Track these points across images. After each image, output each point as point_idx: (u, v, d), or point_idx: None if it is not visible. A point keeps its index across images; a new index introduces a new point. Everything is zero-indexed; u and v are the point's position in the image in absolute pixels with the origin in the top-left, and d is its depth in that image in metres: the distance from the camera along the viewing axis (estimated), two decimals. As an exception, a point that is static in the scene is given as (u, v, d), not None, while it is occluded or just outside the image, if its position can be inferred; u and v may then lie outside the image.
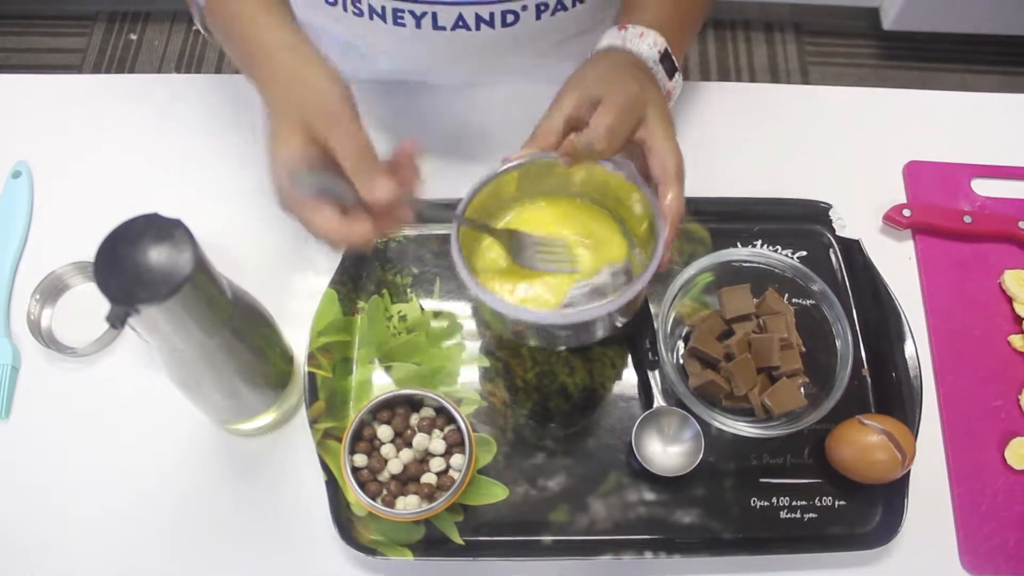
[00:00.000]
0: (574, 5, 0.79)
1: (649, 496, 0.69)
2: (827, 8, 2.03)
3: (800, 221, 0.79)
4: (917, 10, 1.92)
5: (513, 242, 0.66)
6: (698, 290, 0.73)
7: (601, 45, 0.70)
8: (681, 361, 0.71)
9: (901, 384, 0.71)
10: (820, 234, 0.79)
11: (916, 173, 0.82)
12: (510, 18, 0.77)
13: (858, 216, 0.80)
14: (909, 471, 0.67)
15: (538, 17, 0.78)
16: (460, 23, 0.77)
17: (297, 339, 0.72)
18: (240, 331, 0.58)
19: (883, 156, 0.84)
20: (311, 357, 0.71)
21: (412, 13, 0.76)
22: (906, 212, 0.78)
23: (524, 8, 0.76)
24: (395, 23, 0.77)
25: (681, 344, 0.73)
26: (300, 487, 0.69)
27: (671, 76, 0.70)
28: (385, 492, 0.66)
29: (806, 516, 0.68)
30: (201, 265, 0.50)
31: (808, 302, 0.71)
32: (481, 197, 0.65)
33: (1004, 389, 0.73)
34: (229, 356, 0.59)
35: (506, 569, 0.67)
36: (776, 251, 0.78)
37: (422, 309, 0.75)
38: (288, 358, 0.69)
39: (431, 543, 0.67)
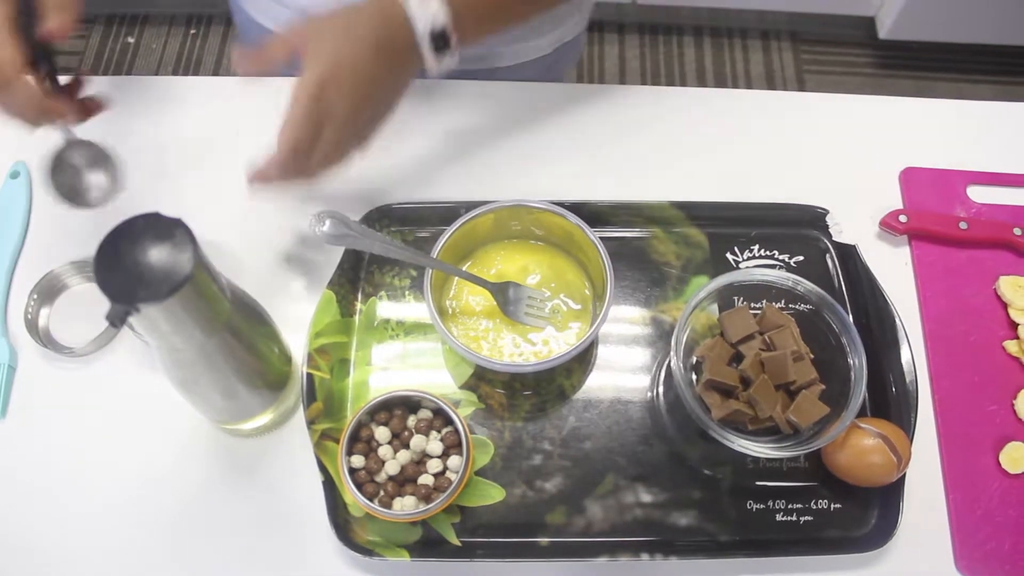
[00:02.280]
0: None
1: (646, 498, 0.69)
2: (823, 17, 2.04)
3: (797, 226, 0.80)
4: (913, 20, 1.93)
5: (500, 295, 0.72)
6: (702, 313, 0.73)
7: None
8: (697, 393, 0.69)
9: (897, 388, 0.71)
10: (817, 239, 0.79)
11: (913, 179, 0.83)
12: None
13: (855, 221, 0.80)
14: (905, 475, 0.67)
15: None
16: None
17: (295, 340, 0.72)
18: (239, 331, 0.58)
19: (880, 162, 0.84)
20: (309, 358, 0.71)
21: None
22: (902, 218, 0.79)
23: None
24: None
25: (692, 374, 0.72)
26: (297, 488, 0.69)
27: (440, 54, 0.66)
28: (382, 493, 0.66)
29: (802, 519, 0.68)
30: (201, 265, 0.50)
31: (803, 307, 0.71)
32: (456, 236, 0.71)
33: (999, 394, 0.74)
34: (227, 356, 0.59)
35: (503, 571, 0.68)
36: (773, 255, 0.78)
37: (420, 311, 0.76)
38: (286, 359, 0.69)
39: (428, 544, 0.67)
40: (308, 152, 0.64)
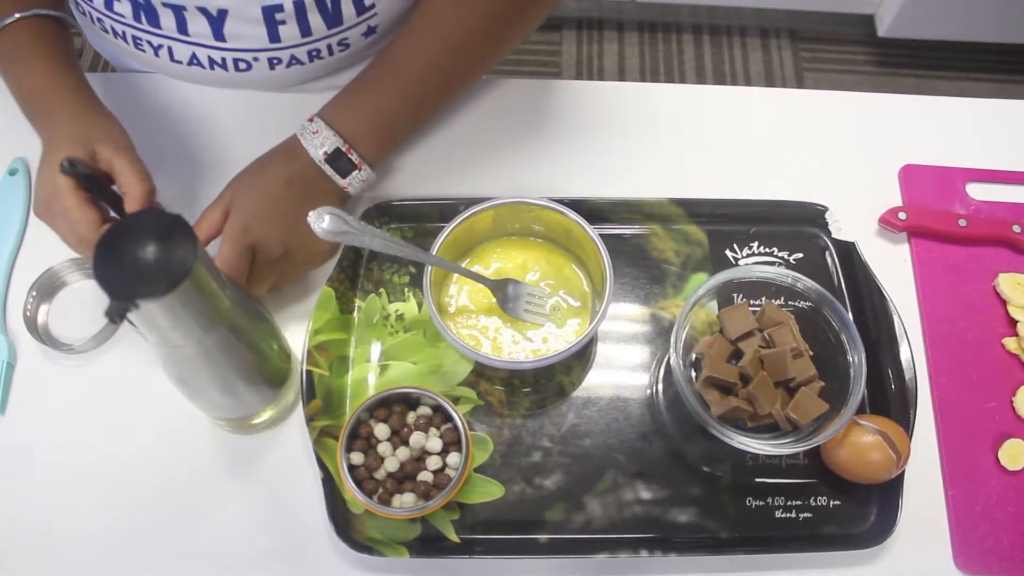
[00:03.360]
0: (311, 60, 0.79)
1: (645, 495, 0.69)
2: (823, 15, 2.04)
3: (796, 223, 0.80)
4: (912, 17, 1.93)
5: (499, 292, 0.72)
6: (702, 310, 0.73)
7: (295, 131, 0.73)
8: (697, 390, 0.69)
9: (896, 385, 0.72)
10: (816, 236, 0.79)
11: (912, 177, 0.83)
12: (242, 65, 0.78)
13: (854, 219, 0.80)
14: (904, 472, 0.68)
15: (271, 68, 0.79)
16: (195, 61, 0.78)
17: (294, 337, 0.72)
18: (238, 328, 0.58)
19: (879, 159, 0.84)
20: (308, 355, 0.71)
21: (150, 43, 0.77)
22: (902, 215, 0.79)
23: (256, 59, 0.78)
24: (136, 48, 0.78)
25: (691, 371, 0.72)
26: (297, 485, 0.69)
27: (346, 173, 0.72)
28: (381, 490, 0.66)
29: (801, 516, 0.68)
30: (201, 261, 0.50)
31: (803, 304, 0.71)
32: (456, 232, 0.71)
33: (998, 391, 0.74)
34: (227, 353, 0.59)
35: (502, 567, 0.68)
36: (772, 252, 0.78)
37: (419, 308, 0.75)
38: (286, 356, 0.69)
39: (427, 541, 0.67)
40: (245, 283, 0.69)
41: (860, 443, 0.66)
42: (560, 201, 0.72)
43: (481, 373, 0.73)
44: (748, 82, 2.03)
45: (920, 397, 0.71)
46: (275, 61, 0.78)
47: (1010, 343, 0.75)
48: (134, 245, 0.48)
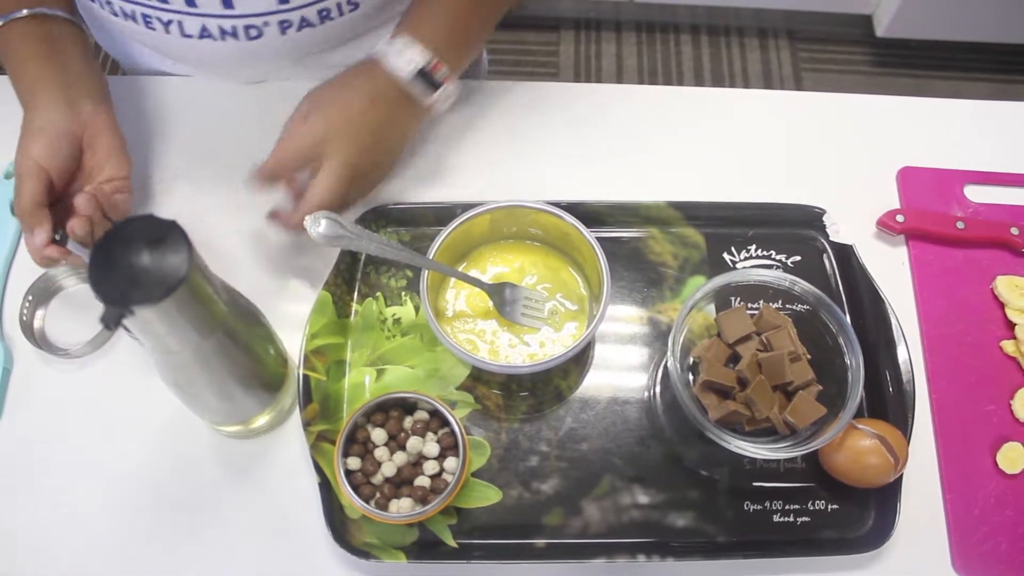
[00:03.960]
0: (322, 22, 0.79)
1: (643, 499, 0.69)
2: (821, 15, 2.04)
3: (794, 226, 0.80)
4: (910, 18, 1.93)
5: (496, 296, 0.72)
6: (699, 314, 0.73)
7: (371, 53, 0.73)
8: (694, 393, 0.69)
9: (894, 389, 0.71)
10: (814, 239, 0.79)
11: (910, 179, 0.83)
12: (253, 32, 0.78)
13: (852, 221, 0.80)
14: (902, 475, 0.67)
15: (283, 32, 0.79)
16: (205, 33, 0.78)
17: (291, 341, 0.72)
18: (234, 333, 0.58)
19: (877, 162, 0.84)
20: (305, 359, 0.71)
21: (159, 19, 0.77)
22: (900, 218, 0.79)
23: (266, 24, 0.77)
24: (146, 27, 0.78)
25: (689, 375, 0.71)
26: (293, 490, 0.69)
27: (434, 89, 0.73)
28: (378, 495, 0.65)
29: (799, 520, 0.68)
30: (196, 266, 0.50)
31: (800, 307, 0.71)
32: (452, 236, 0.71)
33: (996, 394, 0.73)
34: (223, 358, 0.59)
35: (499, 572, 0.67)
36: (770, 255, 0.78)
37: (416, 312, 0.75)
38: (282, 360, 0.69)
39: (424, 546, 0.67)
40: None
41: (858, 447, 0.66)
42: (557, 204, 0.72)
43: (478, 377, 0.73)
44: (746, 83, 2.03)
45: (918, 400, 0.71)
46: (286, 24, 0.78)
47: (1008, 346, 0.75)
48: (129, 251, 0.48)
